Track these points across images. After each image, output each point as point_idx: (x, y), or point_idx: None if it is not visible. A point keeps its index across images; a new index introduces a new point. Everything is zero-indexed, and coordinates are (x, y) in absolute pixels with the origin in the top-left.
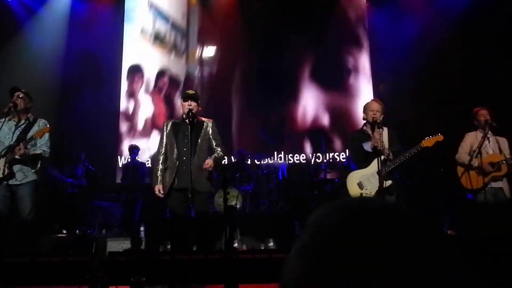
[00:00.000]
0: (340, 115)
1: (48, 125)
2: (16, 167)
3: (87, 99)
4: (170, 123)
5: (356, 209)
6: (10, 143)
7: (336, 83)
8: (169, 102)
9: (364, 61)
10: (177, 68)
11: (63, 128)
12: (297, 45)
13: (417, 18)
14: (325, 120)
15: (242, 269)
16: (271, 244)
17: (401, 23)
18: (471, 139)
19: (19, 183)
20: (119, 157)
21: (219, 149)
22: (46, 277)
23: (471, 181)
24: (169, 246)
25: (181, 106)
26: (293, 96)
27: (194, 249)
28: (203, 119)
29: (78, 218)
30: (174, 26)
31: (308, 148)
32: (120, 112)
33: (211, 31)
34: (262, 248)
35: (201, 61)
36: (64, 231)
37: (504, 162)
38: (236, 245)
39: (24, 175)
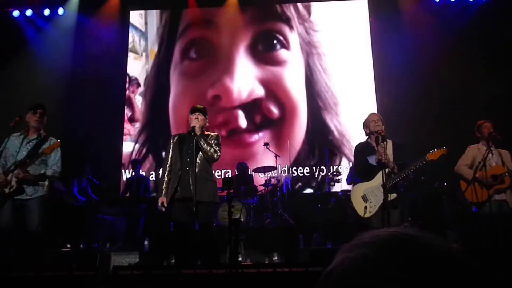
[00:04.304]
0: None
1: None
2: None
3: (92, 112)
4: (177, 137)
5: (417, 254)
6: (21, 159)
7: (339, 94)
8: (129, 103)
9: (368, 74)
10: (138, 69)
11: (67, 142)
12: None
13: (419, 32)
14: (331, 134)
15: (246, 283)
16: (275, 258)
17: (404, 37)
18: (474, 151)
19: (29, 197)
20: (123, 170)
21: (215, 147)
22: None
23: (477, 195)
24: (173, 260)
25: (189, 120)
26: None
27: (199, 263)
28: (210, 132)
29: (82, 232)
30: (136, 30)
31: (312, 161)
32: (124, 126)
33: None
34: (267, 262)
35: (159, 58)
36: (68, 245)
37: (506, 174)
38: (240, 259)
39: (34, 189)
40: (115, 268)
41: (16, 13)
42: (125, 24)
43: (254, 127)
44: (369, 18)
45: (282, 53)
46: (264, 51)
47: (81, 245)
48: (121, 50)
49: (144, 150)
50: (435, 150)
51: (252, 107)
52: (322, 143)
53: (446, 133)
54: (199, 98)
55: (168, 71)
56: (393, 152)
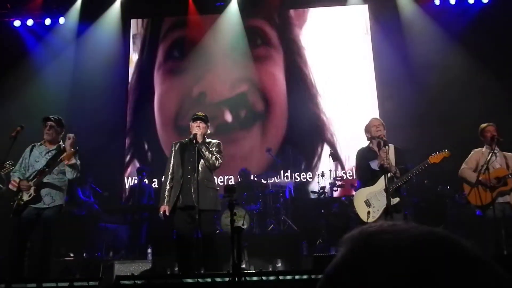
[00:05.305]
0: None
1: (76, 149)
2: (44, 191)
3: (94, 121)
4: (178, 144)
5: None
6: (40, 168)
7: (342, 98)
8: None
9: (369, 79)
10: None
11: None
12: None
13: (420, 36)
14: (332, 139)
15: None
16: (279, 265)
17: (405, 41)
18: (477, 155)
19: (47, 206)
20: (125, 178)
21: (216, 155)
22: None
23: (480, 198)
24: (176, 268)
25: (190, 127)
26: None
27: (202, 272)
28: (211, 140)
29: (85, 241)
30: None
31: (315, 166)
32: (127, 134)
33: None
34: (270, 269)
35: (141, 61)
36: (71, 254)
37: (509, 176)
38: (243, 266)
39: (52, 199)
40: (118, 278)
41: (17, 23)
42: (126, 32)
43: (240, 122)
44: (370, 23)
45: (263, 48)
46: (247, 47)
47: (84, 254)
48: (123, 59)
49: (130, 153)
50: (437, 153)
51: (237, 101)
52: (303, 132)
53: (449, 137)
54: (185, 95)
55: (151, 74)
56: (395, 156)
